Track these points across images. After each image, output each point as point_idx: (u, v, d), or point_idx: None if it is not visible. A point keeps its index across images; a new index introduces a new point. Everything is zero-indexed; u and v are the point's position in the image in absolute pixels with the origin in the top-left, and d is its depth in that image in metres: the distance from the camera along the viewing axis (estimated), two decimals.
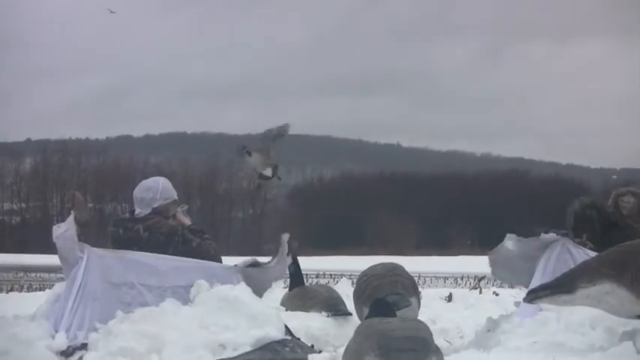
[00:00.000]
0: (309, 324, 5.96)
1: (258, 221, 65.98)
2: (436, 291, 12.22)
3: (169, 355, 4.48)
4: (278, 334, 4.79)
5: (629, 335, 4.29)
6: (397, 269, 6.05)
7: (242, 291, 4.97)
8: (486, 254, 6.04)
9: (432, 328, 3.80)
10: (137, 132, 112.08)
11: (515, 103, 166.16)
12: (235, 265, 5.31)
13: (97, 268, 4.94)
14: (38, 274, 25.46)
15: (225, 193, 66.37)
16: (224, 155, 59.16)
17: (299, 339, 5.13)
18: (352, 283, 8.14)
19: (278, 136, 6.46)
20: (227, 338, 4.63)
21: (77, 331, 4.73)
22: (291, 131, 6.59)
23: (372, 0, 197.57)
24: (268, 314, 4.90)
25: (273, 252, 5.60)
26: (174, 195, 5.48)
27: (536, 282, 5.39)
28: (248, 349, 4.61)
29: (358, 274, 6.41)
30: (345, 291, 7.09)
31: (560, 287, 4.44)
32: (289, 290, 6.72)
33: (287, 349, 4.73)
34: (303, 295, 6.61)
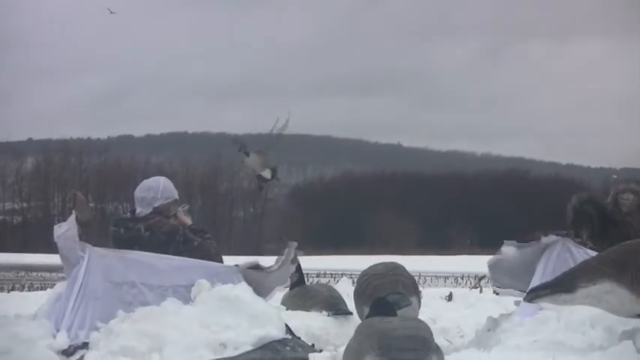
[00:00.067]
0: (309, 323, 5.97)
1: (259, 221, 65.99)
2: (436, 290, 12.25)
3: (170, 354, 4.48)
4: (279, 333, 4.79)
5: (629, 334, 4.30)
6: (398, 269, 6.06)
7: (243, 290, 4.97)
8: (486, 254, 6.05)
9: (432, 327, 3.80)
10: (138, 132, 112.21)
11: (515, 103, 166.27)
12: (236, 266, 5.32)
13: (98, 267, 4.95)
14: (39, 274, 25.51)
15: (226, 192, 66.38)
16: (225, 155, 59.14)
17: (300, 338, 5.13)
18: (353, 282, 8.14)
19: (281, 130, 6.43)
20: (228, 337, 4.63)
21: (78, 330, 4.74)
22: (292, 131, 6.59)
23: (372, 0, 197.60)
24: (269, 313, 4.91)
25: (277, 254, 5.56)
26: (176, 194, 5.49)
27: (536, 281, 5.40)
28: (249, 348, 4.61)
29: (359, 273, 6.43)
30: (346, 290, 7.10)
31: (561, 286, 4.45)
32: (290, 289, 6.73)
33: (288, 348, 4.74)
34: (304, 294, 6.62)
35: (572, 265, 5.02)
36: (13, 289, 15.57)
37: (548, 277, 5.14)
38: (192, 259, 5.17)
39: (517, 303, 5.84)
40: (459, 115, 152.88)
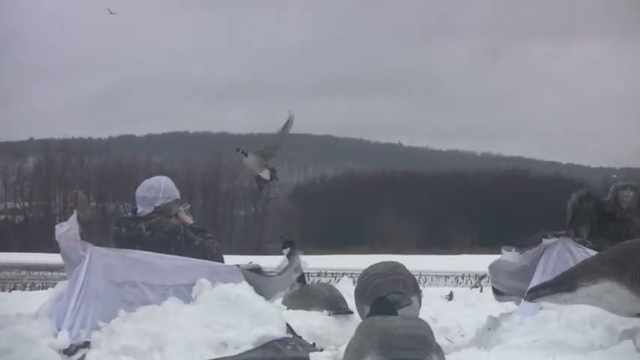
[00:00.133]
0: (310, 322, 5.98)
1: (260, 220, 65.98)
2: (437, 290, 12.28)
3: (171, 353, 4.49)
4: (280, 332, 4.80)
5: (630, 334, 4.30)
6: (398, 268, 6.07)
7: (244, 290, 4.98)
8: (487, 253, 6.06)
9: (433, 326, 3.80)
10: (139, 131, 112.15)
11: (515, 103, 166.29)
12: (237, 266, 5.32)
13: (99, 266, 4.95)
14: (41, 273, 25.52)
15: (227, 192, 66.38)
16: (226, 154, 59.17)
17: (301, 337, 5.14)
18: (353, 281, 8.16)
19: (285, 131, 6.43)
20: (229, 337, 4.64)
21: (80, 329, 4.74)
22: (293, 131, 6.59)
23: (372, 0, 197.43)
24: (270, 313, 4.91)
25: (278, 254, 5.56)
26: (177, 194, 5.49)
27: (536, 281, 5.41)
28: (250, 347, 4.62)
29: (359, 272, 6.44)
30: (347, 289, 7.12)
31: (561, 286, 4.45)
32: (290, 289, 6.74)
33: (289, 347, 4.74)
34: (305, 293, 6.63)
35: (572, 265, 5.02)
36: (14, 288, 15.59)
37: (549, 277, 5.14)
38: (193, 259, 5.18)
39: (517, 302, 5.85)
40: (459, 114, 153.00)
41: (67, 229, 4.99)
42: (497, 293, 6.11)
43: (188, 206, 5.76)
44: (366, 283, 5.94)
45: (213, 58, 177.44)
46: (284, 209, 67.21)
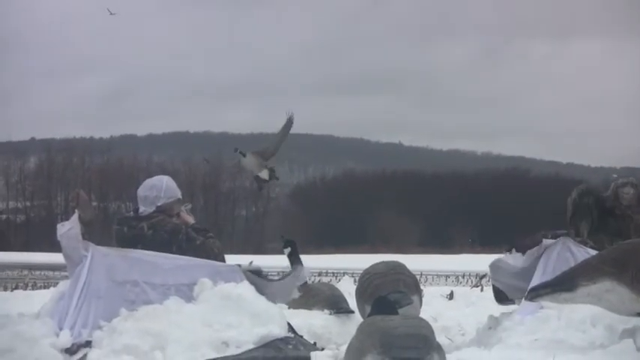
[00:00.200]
0: (311, 322, 5.99)
1: (261, 220, 65.99)
2: (438, 289, 12.28)
3: (173, 352, 4.50)
4: (281, 331, 4.81)
5: (630, 333, 4.31)
6: (399, 267, 6.08)
7: (245, 289, 4.99)
8: (487, 252, 6.08)
9: (433, 325, 3.81)
10: (140, 131, 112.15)
11: (515, 103, 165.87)
12: (238, 266, 5.33)
13: (101, 266, 4.96)
14: (43, 272, 25.51)
15: (229, 191, 66.39)
16: (227, 154, 59.13)
17: (302, 337, 5.14)
18: (354, 281, 8.17)
19: (286, 129, 6.42)
20: (230, 336, 4.65)
21: (81, 328, 4.75)
22: (293, 130, 6.60)
23: (372, 0, 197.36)
24: (271, 312, 4.92)
25: (279, 253, 5.55)
26: (178, 193, 5.50)
27: (536, 280, 5.42)
28: (251, 346, 4.62)
29: (360, 272, 6.45)
30: (348, 289, 7.13)
31: (561, 285, 4.47)
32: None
33: (290, 346, 4.75)
34: (306, 293, 6.62)
35: (572, 264, 5.03)
36: (16, 287, 15.56)
37: (549, 276, 5.15)
38: (195, 258, 5.18)
39: (518, 302, 5.86)
40: (460, 114, 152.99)
41: (68, 229, 5.00)
42: (499, 297, 6.10)
43: (189, 206, 5.77)
44: (367, 282, 5.95)
45: (214, 58, 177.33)
46: (285, 209, 67.20)
